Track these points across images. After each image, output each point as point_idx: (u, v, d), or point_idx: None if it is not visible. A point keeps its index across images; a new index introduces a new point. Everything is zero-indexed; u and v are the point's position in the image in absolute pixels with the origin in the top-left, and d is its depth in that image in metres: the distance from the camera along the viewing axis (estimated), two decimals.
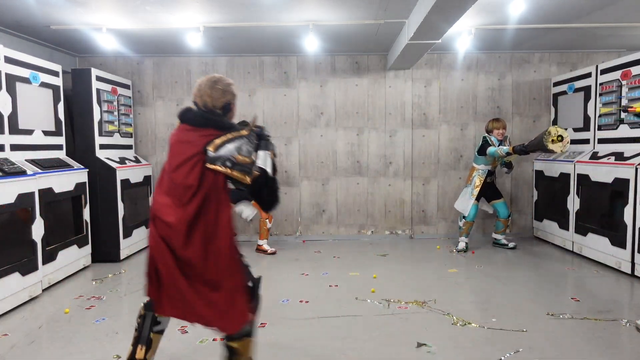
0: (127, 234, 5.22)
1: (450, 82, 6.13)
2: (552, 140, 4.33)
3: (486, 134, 5.25)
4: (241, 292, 2.15)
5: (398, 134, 6.17)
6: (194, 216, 2.07)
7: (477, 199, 5.32)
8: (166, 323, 2.36)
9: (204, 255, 2.09)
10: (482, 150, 5.19)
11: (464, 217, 5.38)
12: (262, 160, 2.21)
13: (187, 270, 2.10)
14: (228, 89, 2.23)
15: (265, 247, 5.49)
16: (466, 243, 5.43)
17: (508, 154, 4.89)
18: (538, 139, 4.49)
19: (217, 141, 2.09)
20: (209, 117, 2.16)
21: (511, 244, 5.57)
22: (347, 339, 3.01)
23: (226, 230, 2.14)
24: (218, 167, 2.07)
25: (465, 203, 5.32)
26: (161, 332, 2.34)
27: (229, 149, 2.08)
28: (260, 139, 2.25)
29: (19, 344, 2.99)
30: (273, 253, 5.46)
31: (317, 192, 6.21)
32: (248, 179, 2.13)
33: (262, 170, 2.18)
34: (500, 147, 5.07)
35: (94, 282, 4.28)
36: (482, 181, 5.26)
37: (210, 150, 2.08)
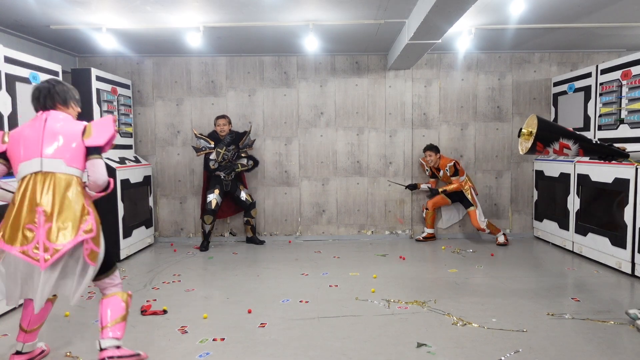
0: (126, 234, 5.22)
1: (450, 82, 6.13)
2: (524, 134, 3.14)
3: None
4: None
5: (398, 134, 6.16)
6: None
7: None
8: None
9: None
10: None
11: None
12: None
13: None
14: None
15: (500, 240, 5.74)
16: None
17: None
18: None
19: None
20: None
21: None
22: (347, 339, 3.00)
23: None
24: None
25: None
26: None
27: None
28: None
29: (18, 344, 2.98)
30: (504, 244, 5.69)
31: (317, 192, 6.21)
32: None
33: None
34: None
35: (93, 283, 4.27)
36: None
37: None
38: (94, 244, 2.37)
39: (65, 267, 2.36)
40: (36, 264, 2.23)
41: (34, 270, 2.29)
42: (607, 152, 2.98)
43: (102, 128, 2.47)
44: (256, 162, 5.83)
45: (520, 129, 3.06)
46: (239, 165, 5.68)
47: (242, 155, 5.72)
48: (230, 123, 5.67)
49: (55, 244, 2.25)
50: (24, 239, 2.25)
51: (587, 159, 4.88)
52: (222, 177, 5.63)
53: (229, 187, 5.68)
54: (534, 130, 2.91)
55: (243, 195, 5.73)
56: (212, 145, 5.57)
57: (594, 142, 2.96)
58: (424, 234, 6.02)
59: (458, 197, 5.86)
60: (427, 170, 5.96)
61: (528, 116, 6.12)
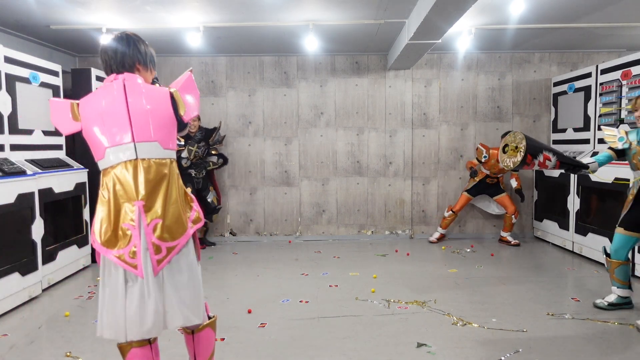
0: None
1: (450, 82, 6.13)
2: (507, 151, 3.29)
3: None
4: None
5: (398, 134, 6.17)
6: None
7: None
8: None
9: None
10: None
11: None
12: None
13: None
14: None
15: (509, 238, 5.79)
16: None
17: None
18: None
19: None
20: None
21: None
22: (347, 339, 3.01)
23: None
24: None
25: None
26: None
27: None
28: None
29: (18, 344, 2.99)
30: (517, 245, 5.71)
31: (317, 192, 6.21)
32: None
33: None
34: None
35: (94, 284, 4.27)
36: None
37: None
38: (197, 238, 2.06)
39: (170, 277, 1.92)
40: (138, 272, 1.82)
41: (134, 283, 1.85)
42: (575, 164, 3.34)
43: (190, 92, 1.99)
44: (225, 160, 5.83)
45: (505, 145, 3.24)
46: (210, 163, 5.68)
47: (213, 152, 5.72)
48: (199, 119, 5.63)
49: (169, 242, 1.87)
50: (122, 242, 1.83)
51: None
52: (193, 174, 5.61)
53: (200, 184, 5.66)
54: (520, 145, 3.14)
55: (210, 197, 5.70)
56: (182, 143, 5.53)
57: (566, 155, 3.32)
58: (437, 235, 5.93)
59: (487, 190, 5.81)
60: (484, 156, 5.64)
61: (528, 116, 6.16)
